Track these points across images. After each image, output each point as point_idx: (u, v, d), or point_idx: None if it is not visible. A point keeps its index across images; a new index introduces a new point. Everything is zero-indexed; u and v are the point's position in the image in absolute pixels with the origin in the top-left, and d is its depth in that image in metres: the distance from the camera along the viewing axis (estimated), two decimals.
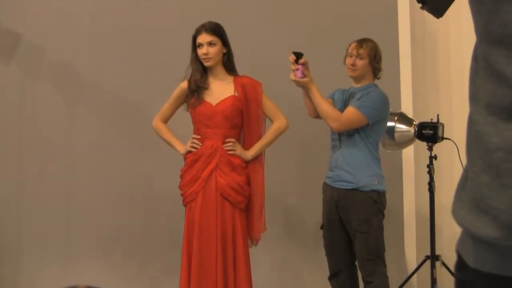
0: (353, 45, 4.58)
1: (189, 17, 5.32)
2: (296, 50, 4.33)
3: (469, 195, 0.91)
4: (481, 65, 0.88)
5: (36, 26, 6.36)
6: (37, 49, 6.36)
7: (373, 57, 4.52)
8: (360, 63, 4.52)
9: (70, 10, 6.29)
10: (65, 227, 6.33)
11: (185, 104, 4.74)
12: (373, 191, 4.42)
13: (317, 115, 4.61)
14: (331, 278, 4.68)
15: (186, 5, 5.97)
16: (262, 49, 5.74)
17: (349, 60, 4.57)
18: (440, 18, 1.88)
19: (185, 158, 4.67)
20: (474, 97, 0.91)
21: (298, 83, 4.43)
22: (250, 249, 4.69)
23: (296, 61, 4.32)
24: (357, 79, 4.60)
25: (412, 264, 5.46)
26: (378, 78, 4.63)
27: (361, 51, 4.52)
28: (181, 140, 4.76)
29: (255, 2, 5.91)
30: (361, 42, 4.56)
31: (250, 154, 4.61)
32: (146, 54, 6.09)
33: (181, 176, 4.68)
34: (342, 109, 4.53)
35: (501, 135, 0.82)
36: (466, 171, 0.95)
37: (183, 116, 4.79)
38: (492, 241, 0.86)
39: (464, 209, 0.92)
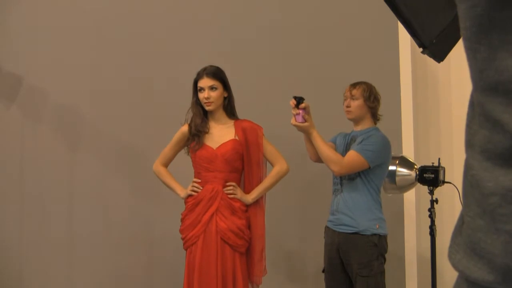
0: (347, 88, 4.62)
1: (189, 60, 5.37)
2: (297, 95, 4.35)
3: (464, 239, 0.92)
4: (477, 111, 0.89)
5: (37, 69, 6.43)
6: (38, 92, 6.41)
7: (367, 97, 4.53)
8: (354, 103, 4.54)
9: (71, 54, 6.36)
10: (66, 271, 6.33)
11: (186, 147, 4.76)
12: (374, 235, 4.40)
13: (318, 159, 4.61)
14: None
15: (187, 49, 6.02)
16: (263, 93, 5.77)
17: (345, 103, 4.60)
18: (442, 62, 1.90)
19: (185, 202, 4.68)
20: (469, 143, 0.92)
21: (299, 128, 4.43)
22: None
23: (297, 106, 4.33)
24: (356, 121, 4.61)
25: None
26: (378, 120, 4.64)
27: (354, 91, 4.54)
28: (181, 183, 4.77)
29: (255, 45, 5.94)
30: (355, 84, 4.59)
31: (250, 197, 4.62)
32: (147, 98, 6.13)
33: (182, 220, 4.69)
34: (343, 153, 4.53)
35: (496, 180, 0.83)
36: (462, 216, 0.96)
37: (184, 159, 4.80)
38: (486, 284, 0.86)
39: (460, 253, 0.92)
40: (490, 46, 0.83)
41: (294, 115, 4.37)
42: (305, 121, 4.37)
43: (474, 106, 0.91)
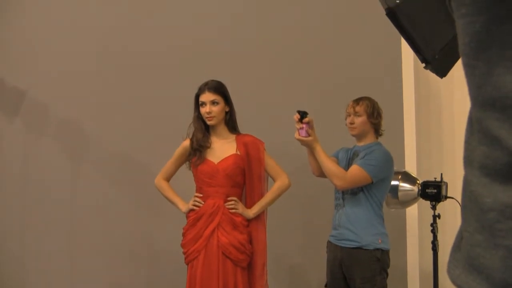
0: (350, 104, 4.63)
1: (192, 74, 5.37)
2: (301, 109, 4.35)
3: (463, 254, 0.92)
4: (475, 127, 0.90)
5: (40, 83, 6.44)
6: (41, 106, 6.42)
7: (371, 113, 4.54)
8: (358, 120, 4.55)
9: (74, 68, 6.37)
10: (66, 283, 6.32)
11: (187, 162, 4.76)
12: (377, 249, 4.40)
13: (321, 173, 4.61)
14: None
15: (189, 64, 6.03)
16: (265, 107, 5.77)
17: (348, 119, 4.61)
18: (444, 78, 1.90)
19: (187, 217, 4.68)
20: (468, 159, 0.92)
21: (302, 142, 4.44)
22: None
23: (301, 120, 4.34)
24: (359, 137, 4.63)
25: None
26: (381, 135, 4.65)
27: (358, 108, 4.56)
28: (183, 198, 4.77)
29: (257, 59, 5.95)
30: (358, 100, 4.60)
31: (252, 212, 4.61)
32: (149, 113, 6.15)
33: (183, 234, 4.68)
34: (346, 168, 4.54)
35: (494, 196, 0.83)
36: (461, 231, 0.96)
37: (186, 174, 4.81)
38: None
39: (459, 268, 0.92)
40: (489, 62, 0.83)
41: (298, 129, 4.38)
42: (309, 135, 4.37)
43: (472, 122, 0.91)
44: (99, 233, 6.26)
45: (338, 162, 4.68)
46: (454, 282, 0.94)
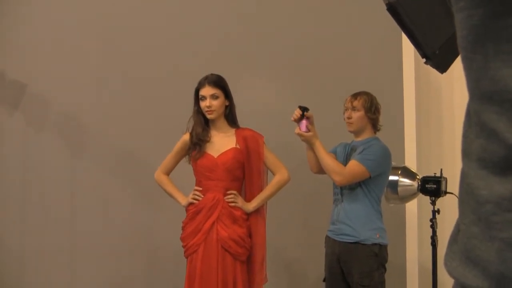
0: (348, 98, 4.63)
1: (192, 68, 5.36)
2: (302, 104, 4.36)
3: (460, 246, 0.92)
4: (473, 121, 0.90)
5: (40, 77, 6.42)
6: (42, 100, 6.40)
7: (369, 108, 4.54)
8: (355, 115, 4.55)
9: (75, 62, 6.36)
10: (66, 278, 6.32)
11: (187, 156, 4.76)
12: (375, 244, 4.40)
13: (319, 170, 4.62)
14: None
15: (190, 58, 6.02)
16: (265, 102, 5.77)
17: (345, 114, 4.61)
18: (445, 73, 1.90)
19: (186, 210, 4.68)
20: (465, 152, 0.92)
21: (302, 137, 4.45)
22: None
23: (302, 115, 4.35)
24: (356, 133, 4.62)
25: None
26: (378, 130, 4.65)
27: (356, 103, 4.55)
28: (183, 192, 4.77)
29: (257, 55, 5.95)
30: (355, 95, 4.60)
31: (251, 206, 4.61)
32: (150, 106, 6.14)
33: (183, 228, 4.68)
34: (344, 163, 4.54)
35: (491, 188, 0.84)
36: (458, 224, 0.96)
37: (186, 168, 4.80)
38: None
39: (455, 261, 0.93)
40: (486, 56, 0.84)
41: (298, 125, 4.39)
42: (309, 130, 4.38)
43: (470, 115, 0.91)
44: (98, 226, 6.25)
45: (336, 158, 4.68)
46: (450, 274, 0.95)
